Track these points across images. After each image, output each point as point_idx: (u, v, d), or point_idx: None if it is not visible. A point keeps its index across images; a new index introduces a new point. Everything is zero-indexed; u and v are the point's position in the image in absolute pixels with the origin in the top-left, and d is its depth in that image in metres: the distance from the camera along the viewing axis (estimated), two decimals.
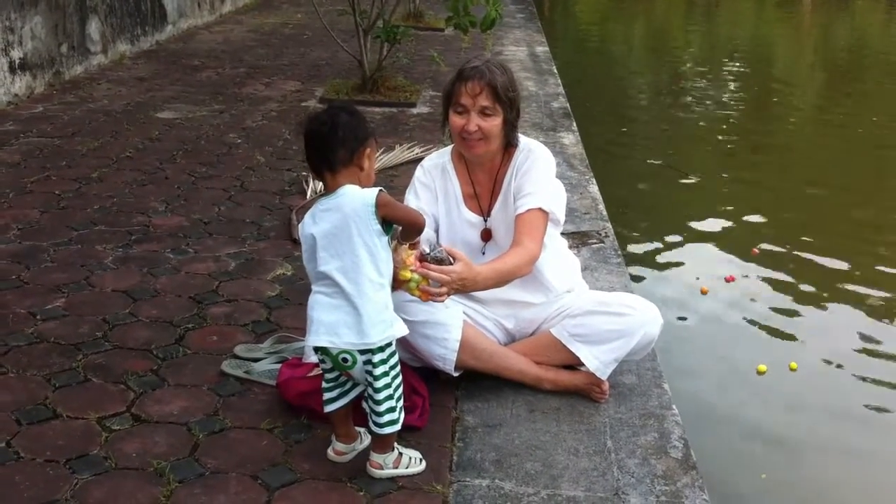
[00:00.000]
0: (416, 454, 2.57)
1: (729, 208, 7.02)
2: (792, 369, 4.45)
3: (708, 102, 10.89)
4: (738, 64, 13.98)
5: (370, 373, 2.41)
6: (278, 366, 2.99)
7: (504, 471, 2.59)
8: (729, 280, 5.48)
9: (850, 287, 5.53)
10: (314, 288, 2.47)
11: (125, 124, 6.33)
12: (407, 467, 2.53)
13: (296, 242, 4.25)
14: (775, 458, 3.78)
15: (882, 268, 5.89)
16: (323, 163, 2.45)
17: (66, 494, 2.40)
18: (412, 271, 2.54)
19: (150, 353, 3.16)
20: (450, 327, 2.86)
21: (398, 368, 2.46)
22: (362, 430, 2.60)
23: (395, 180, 5.28)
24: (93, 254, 4.04)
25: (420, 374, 2.92)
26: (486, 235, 3.07)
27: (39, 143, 5.76)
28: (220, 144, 5.94)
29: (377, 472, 2.51)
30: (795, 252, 6.07)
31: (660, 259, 5.94)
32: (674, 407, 2.98)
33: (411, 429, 2.71)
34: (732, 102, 11.06)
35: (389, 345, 2.42)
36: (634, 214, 6.79)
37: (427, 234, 3.01)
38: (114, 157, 5.55)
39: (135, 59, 8.72)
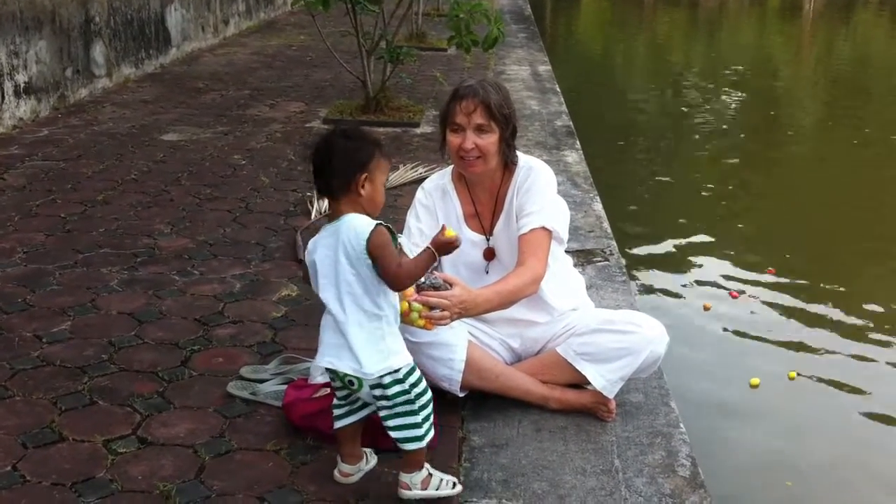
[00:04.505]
0: (448, 477, 2.50)
1: (733, 225, 7.02)
2: (791, 378, 4.45)
3: (711, 118, 10.92)
4: (741, 78, 14.01)
5: (384, 396, 2.37)
6: (284, 387, 2.98)
7: (511, 490, 2.58)
8: (734, 296, 5.48)
9: (859, 303, 5.52)
10: (326, 313, 2.44)
11: (130, 147, 6.35)
12: (437, 489, 2.46)
13: (301, 263, 4.25)
14: (783, 473, 3.76)
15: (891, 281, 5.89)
16: (323, 191, 2.42)
17: None
18: (410, 301, 2.54)
19: (156, 376, 3.16)
20: (455, 348, 2.86)
21: (421, 385, 2.40)
22: (368, 450, 2.60)
23: (399, 200, 5.28)
24: (98, 276, 4.05)
25: None
26: (490, 255, 3.07)
27: (44, 167, 5.79)
28: (224, 166, 5.96)
29: (405, 493, 2.45)
30: (799, 268, 6.06)
31: (664, 276, 5.94)
32: (681, 425, 2.97)
33: None
34: (735, 118, 11.09)
35: (399, 369, 2.38)
36: (639, 232, 6.79)
37: None
38: (119, 179, 5.57)
39: (139, 82, 8.77)
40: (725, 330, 5.07)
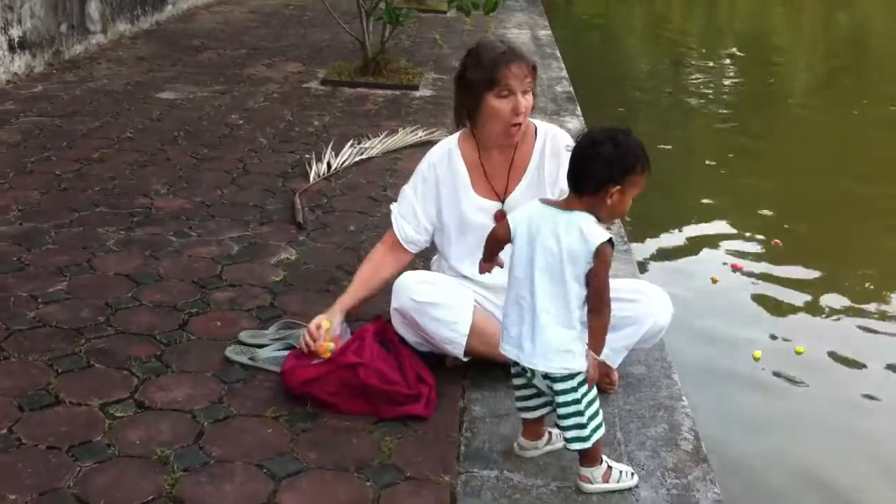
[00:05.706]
0: (627, 468, 2.47)
1: (736, 195, 6.97)
2: (798, 353, 4.43)
3: (712, 86, 10.82)
4: (742, 46, 13.91)
5: (552, 388, 2.36)
6: (284, 353, 2.95)
7: (512, 462, 2.56)
8: (735, 268, 5.43)
9: (866, 275, 5.49)
10: (511, 291, 2.40)
11: (125, 104, 6.26)
12: (618, 481, 2.43)
13: (300, 227, 4.21)
14: (788, 448, 3.74)
15: None
16: (571, 181, 2.33)
17: (68, 482, 2.37)
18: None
19: (154, 339, 3.12)
20: (460, 310, 2.83)
21: (592, 393, 2.37)
22: (555, 431, 2.54)
23: (398, 163, 5.23)
24: (94, 236, 3.99)
25: (426, 361, 2.89)
26: (501, 217, 3.01)
27: (39, 123, 5.70)
28: (221, 126, 5.88)
29: (587, 487, 2.42)
30: (804, 239, 6.03)
31: (667, 246, 5.89)
32: (684, 398, 2.94)
33: (417, 418, 2.69)
34: (736, 86, 11.01)
35: (574, 376, 2.33)
36: (640, 201, 6.73)
37: (411, 235, 3.06)
38: (114, 137, 5.49)
39: (134, 38, 8.65)
40: (729, 302, 5.01)
